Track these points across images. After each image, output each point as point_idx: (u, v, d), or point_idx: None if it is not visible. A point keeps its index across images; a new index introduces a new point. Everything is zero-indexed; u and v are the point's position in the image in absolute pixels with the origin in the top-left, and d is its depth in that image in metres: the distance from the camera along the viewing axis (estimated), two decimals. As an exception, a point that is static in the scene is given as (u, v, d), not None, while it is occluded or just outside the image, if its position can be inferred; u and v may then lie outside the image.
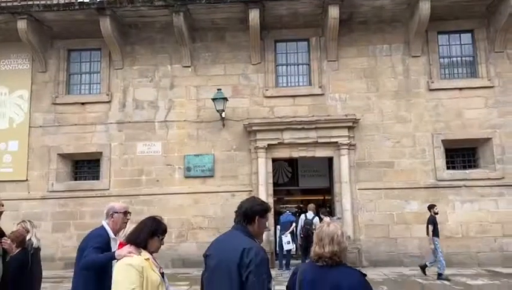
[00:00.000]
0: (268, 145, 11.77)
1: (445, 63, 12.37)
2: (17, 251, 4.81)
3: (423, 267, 9.96)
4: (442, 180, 11.53)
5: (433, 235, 9.78)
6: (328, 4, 11.35)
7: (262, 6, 11.50)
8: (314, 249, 2.59)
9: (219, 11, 11.92)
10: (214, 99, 11.71)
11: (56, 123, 12.48)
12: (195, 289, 8.14)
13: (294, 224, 11.67)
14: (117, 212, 3.79)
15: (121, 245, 3.08)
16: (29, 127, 12.49)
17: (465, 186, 11.48)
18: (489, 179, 11.47)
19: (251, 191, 11.54)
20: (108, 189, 12.03)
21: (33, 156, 12.35)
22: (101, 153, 12.30)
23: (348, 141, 11.69)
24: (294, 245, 11.99)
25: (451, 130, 11.76)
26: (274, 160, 12.17)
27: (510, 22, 11.47)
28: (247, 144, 12.04)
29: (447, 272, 9.64)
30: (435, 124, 11.82)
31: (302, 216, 11.63)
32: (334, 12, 11.35)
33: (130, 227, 3.64)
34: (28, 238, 5.01)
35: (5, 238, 4.49)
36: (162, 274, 2.94)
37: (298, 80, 12.67)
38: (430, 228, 9.76)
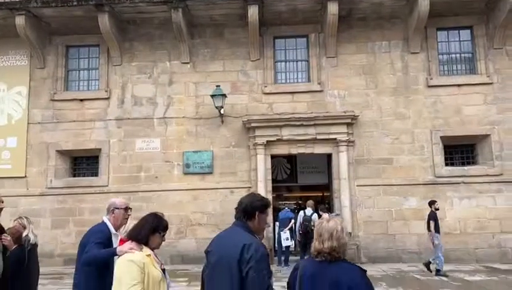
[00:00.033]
0: (267, 141, 11.77)
1: (444, 59, 12.37)
2: (14, 247, 4.82)
3: (427, 264, 9.90)
4: (440, 176, 11.56)
5: (434, 231, 9.79)
6: (327, 0, 11.33)
7: (261, 2, 11.47)
8: (314, 244, 2.61)
9: (218, 7, 11.89)
10: (212, 96, 11.70)
11: (54, 120, 12.45)
12: (194, 285, 8.16)
13: (293, 221, 11.70)
14: (118, 208, 3.81)
15: (122, 242, 3.09)
16: (28, 123, 12.46)
17: (464, 182, 11.51)
18: (487, 175, 11.49)
19: (250, 187, 11.55)
20: (107, 185, 12.03)
21: (32, 152, 12.33)
22: (99, 149, 12.28)
23: (347, 138, 11.70)
24: (293, 242, 12.03)
25: (450, 127, 11.78)
26: (273, 156, 12.18)
27: (509, 19, 11.48)
28: (246, 140, 12.04)
29: (445, 268, 9.69)
30: (433, 120, 11.83)
31: (301, 213, 11.66)
32: (333, 8, 11.34)
33: (130, 223, 3.65)
34: (24, 234, 5.02)
35: (5, 234, 4.50)
36: (163, 270, 2.95)
37: (297, 76, 12.65)
38: (432, 223, 9.77)
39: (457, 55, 12.42)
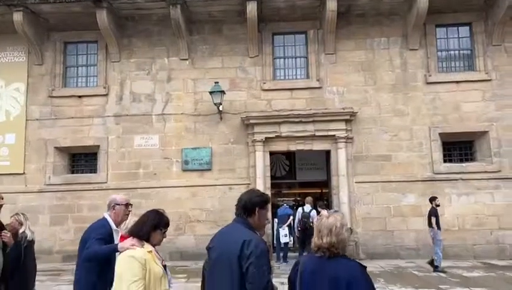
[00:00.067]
0: (266, 138, 11.77)
1: (442, 56, 12.38)
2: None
3: (431, 262, 9.80)
4: (439, 173, 11.59)
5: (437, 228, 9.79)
6: (326, -3, 11.33)
7: (260, -2, 11.46)
8: (314, 240, 2.63)
9: (216, 4, 11.85)
10: (211, 93, 11.69)
11: (53, 116, 12.42)
12: (193, 282, 8.18)
13: (291, 217, 11.72)
14: (119, 204, 3.82)
15: (122, 238, 3.09)
16: (26, 120, 12.43)
17: (462, 179, 11.54)
18: (485, 172, 11.53)
19: (249, 184, 11.56)
20: (105, 182, 12.02)
21: (30, 149, 12.31)
22: (98, 146, 12.27)
23: (346, 134, 11.71)
24: (292, 238, 12.05)
25: (449, 124, 11.80)
26: (271, 153, 12.18)
27: (508, 15, 11.50)
28: (244, 137, 12.04)
29: (443, 264, 9.72)
30: (432, 117, 11.85)
31: (300, 209, 11.67)
32: (332, 5, 11.32)
33: (130, 219, 3.66)
34: (21, 231, 5.01)
35: (5, 231, 4.50)
36: (165, 267, 2.96)
37: (296, 73, 12.65)
38: (433, 220, 9.77)
39: (456, 52, 12.42)
